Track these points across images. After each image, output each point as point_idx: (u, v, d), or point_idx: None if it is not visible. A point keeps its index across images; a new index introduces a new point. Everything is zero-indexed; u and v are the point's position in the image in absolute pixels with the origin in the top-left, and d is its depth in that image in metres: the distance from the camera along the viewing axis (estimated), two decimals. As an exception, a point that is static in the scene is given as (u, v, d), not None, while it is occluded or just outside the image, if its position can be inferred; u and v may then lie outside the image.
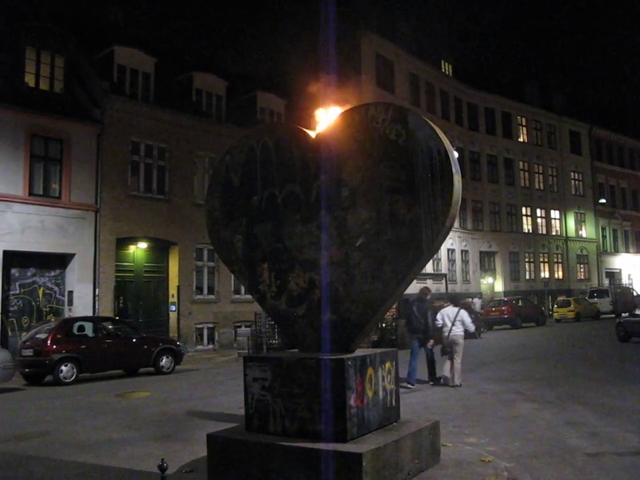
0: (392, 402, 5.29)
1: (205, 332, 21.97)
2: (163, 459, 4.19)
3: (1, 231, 16.87)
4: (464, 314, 10.99)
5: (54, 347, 12.98)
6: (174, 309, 21.13)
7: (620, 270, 45.75)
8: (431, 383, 10.98)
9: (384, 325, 19.88)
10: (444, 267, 33.10)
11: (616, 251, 45.80)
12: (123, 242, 19.86)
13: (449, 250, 33.55)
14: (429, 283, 27.80)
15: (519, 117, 40.31)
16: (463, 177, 6.76)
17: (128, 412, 9.28)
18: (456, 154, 5.23)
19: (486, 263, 37.19)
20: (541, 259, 40.39)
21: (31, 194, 17.65)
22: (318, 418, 4.75)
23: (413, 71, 32.88)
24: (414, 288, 27.27)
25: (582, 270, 43.55)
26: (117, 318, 17.58)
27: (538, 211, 40.74)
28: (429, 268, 29.66)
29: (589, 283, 42.26)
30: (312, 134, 5.52)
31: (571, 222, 42.56)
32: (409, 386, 10.43)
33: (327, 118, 5.69)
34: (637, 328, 18.22)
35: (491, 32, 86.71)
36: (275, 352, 16.01)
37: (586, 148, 44.42)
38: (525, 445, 6.23)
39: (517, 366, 13.38)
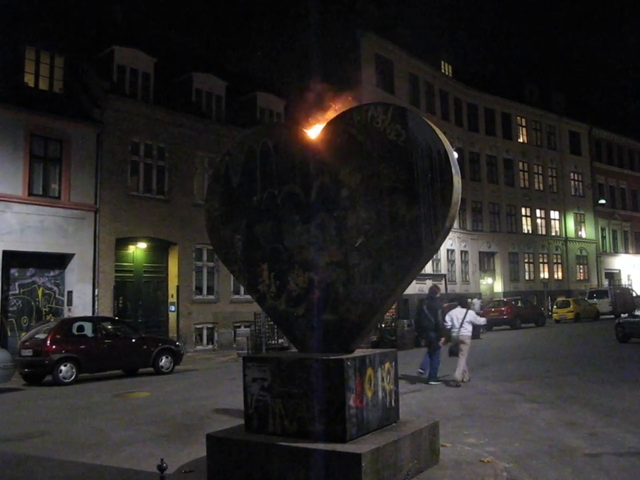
0: (391, 402, 5.29)
1: (205, 332, 21.97)
2: (162, 459, 4.18)
3: (0, 231, 16.87)
4: (472, 314, 11.17)
5: (53, 347, 12.97)
6: (173, 309, 21.13)
7: (619, 270, 45.77)
8: (431, 383, 11.01)
9: (383, 326, 19.90)
10: (443, 268, 33.11)
11: (615, 251, 45.80)
12: (122, 242, 19.86)
13: (448, 250, 33.55)
14: (429, 283, 27.76)
15: (518, 118, 40.32)
16: (462, 177, 6.75)
17: (127, 412, 9.27)
18: (455, 154, 5.24)
19: (485, 263, 37.20)
20: (541, 260, 40.40)
21: (30, 194, 17.65)
22: (317, 418, 4.75)
23: (413, 72, 32.88)
24: (414, 288, 27.41)
25: (581, 270, 43.56)
26: (117, 318, 17.56)
27: (537, 211, 40.74)
28: (428, 268, 29.67)
29: (588, 283, 42.24)
30: (311, 134, 5.52)
31: (570, 222, 42.55)
32: (433, 383, 10.86)
33: (326, 118, 5.68)
34: (636, 329, 18.24)
35: (490, 32, 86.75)
36: (274, 352, 16.01)
37: (586, 148, 44.42)
38: (524, 445, 6.23)
39: (516, 366, 13.40)
